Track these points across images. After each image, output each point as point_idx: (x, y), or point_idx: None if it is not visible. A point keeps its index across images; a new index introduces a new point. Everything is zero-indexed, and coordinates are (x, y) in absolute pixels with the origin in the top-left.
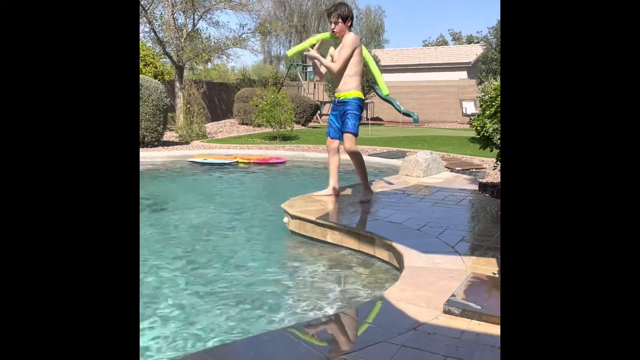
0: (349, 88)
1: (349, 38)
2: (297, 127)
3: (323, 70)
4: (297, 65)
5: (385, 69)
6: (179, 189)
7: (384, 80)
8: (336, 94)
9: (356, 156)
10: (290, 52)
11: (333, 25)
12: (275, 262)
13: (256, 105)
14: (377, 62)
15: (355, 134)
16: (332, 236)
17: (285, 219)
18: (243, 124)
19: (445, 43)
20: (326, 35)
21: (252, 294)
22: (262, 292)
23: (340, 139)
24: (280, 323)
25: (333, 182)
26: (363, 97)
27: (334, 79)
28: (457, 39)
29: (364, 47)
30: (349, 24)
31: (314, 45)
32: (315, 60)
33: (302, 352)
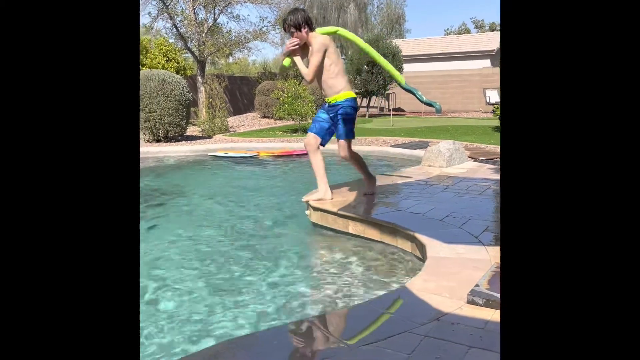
0: (337, 90)
1: (315, 43)
2: None
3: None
4: None
5: (407, 59)
6: (201, 182)
7: (396, 70)
8: (325, 99)
9: (355, 159)
10: (287, 62)
11: (291, 37)
12: (297, 253)
13: (277, 99)
14: (397, 52)
15: (350, 139)
16: (354, 227)
17: (308, 211)
18: (265, 117)
19: (467, 31)
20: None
21: (275, 283)
22: (284, 283)
23: (324, 138)
24: (302, 313)
25: (323, 185)
26: (355, 96)
27: (319, 85)
28: (479, 27)
29: (359, 39)
30: (306, 29)
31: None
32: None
33: (326, 341)
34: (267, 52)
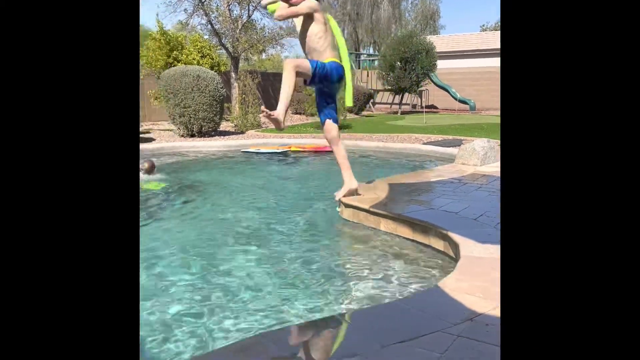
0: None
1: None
2: (350, 115)
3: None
4: (351, 53)
5: (441, 56)
6: (234, 177)
7: (349, 91)
8: None
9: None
10: (271, 8)
11: None
12: (328, 250)
13: (309, 95)
14: (431, 48)
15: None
16: (385, 225)
17: (339, 208)
18: (296, 113)
19: None
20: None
21: (304, 280)
22: (315, 279)
23: (334, 118)
24: (330, 309)
25: (348, 175)
26: (340, 63)
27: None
28: None
29: (331, 19)
30: None
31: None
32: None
33: (357, 339)
34: (299, 49)
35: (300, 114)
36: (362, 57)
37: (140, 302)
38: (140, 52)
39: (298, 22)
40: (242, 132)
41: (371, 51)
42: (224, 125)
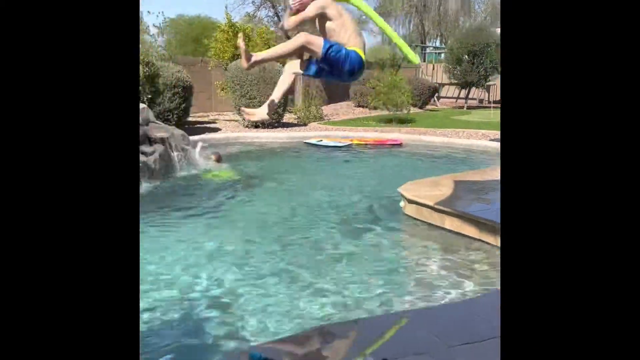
0: None
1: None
2: (413, 109)
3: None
4: (416, 46)
5: None
6: (294, 169)
7: (409, 49)
8: None
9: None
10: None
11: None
12: (390, 247)
13: (373, 88)
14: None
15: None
16: (450, 223)
17: (402, 203)
18: (359, 106)
19: None
20: None
21: (367, 273)
22: (380, 272)
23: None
24: (385, 303)
25: (273, 99)
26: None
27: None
28: None
29: (371, 11)
30: None
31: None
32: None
33: (422, 336)
34: (368, 38)
35: (362, 107)
36: (428, 50)
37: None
38: (208, 43)
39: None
40: (305, 124)
41: (437, 44)
42: (287, 117)
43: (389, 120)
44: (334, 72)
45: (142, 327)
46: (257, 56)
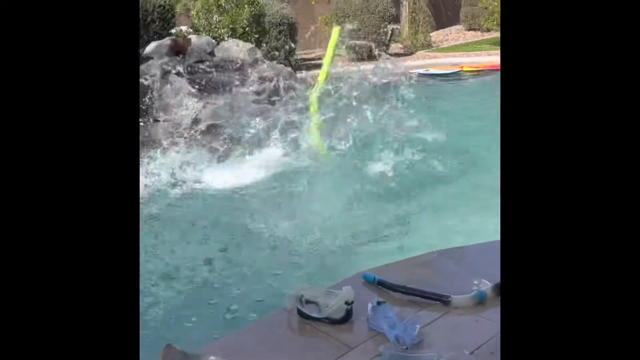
0: None
1: None
2: None
3: None
4: None
5: None
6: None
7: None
8: None
9: None
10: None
11: None
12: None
13: (485, 8)
14: None
15: None
16: None
17: None
18: (470, 29)
19: None
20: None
21: None
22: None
23: None
24: None
25: None
26: None
27: None
28: None
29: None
30: None
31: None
32: None
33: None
34: None
35: (474, 29)
36: None
37: None
38: None
39: None
40: (412, 53)
41: None
42: (392, 47)
43: None
44: None
45: None
46: None
